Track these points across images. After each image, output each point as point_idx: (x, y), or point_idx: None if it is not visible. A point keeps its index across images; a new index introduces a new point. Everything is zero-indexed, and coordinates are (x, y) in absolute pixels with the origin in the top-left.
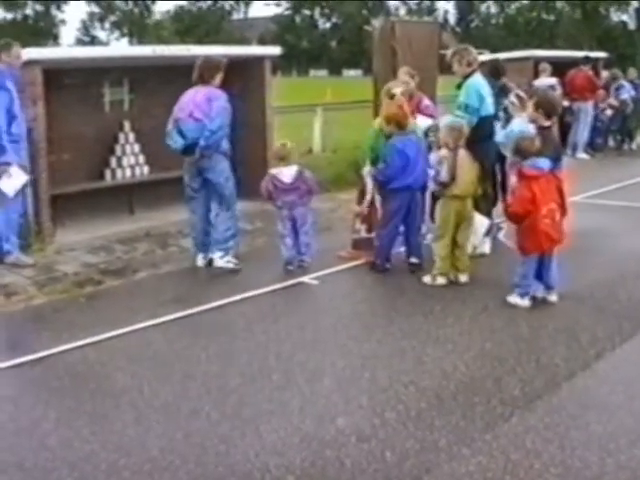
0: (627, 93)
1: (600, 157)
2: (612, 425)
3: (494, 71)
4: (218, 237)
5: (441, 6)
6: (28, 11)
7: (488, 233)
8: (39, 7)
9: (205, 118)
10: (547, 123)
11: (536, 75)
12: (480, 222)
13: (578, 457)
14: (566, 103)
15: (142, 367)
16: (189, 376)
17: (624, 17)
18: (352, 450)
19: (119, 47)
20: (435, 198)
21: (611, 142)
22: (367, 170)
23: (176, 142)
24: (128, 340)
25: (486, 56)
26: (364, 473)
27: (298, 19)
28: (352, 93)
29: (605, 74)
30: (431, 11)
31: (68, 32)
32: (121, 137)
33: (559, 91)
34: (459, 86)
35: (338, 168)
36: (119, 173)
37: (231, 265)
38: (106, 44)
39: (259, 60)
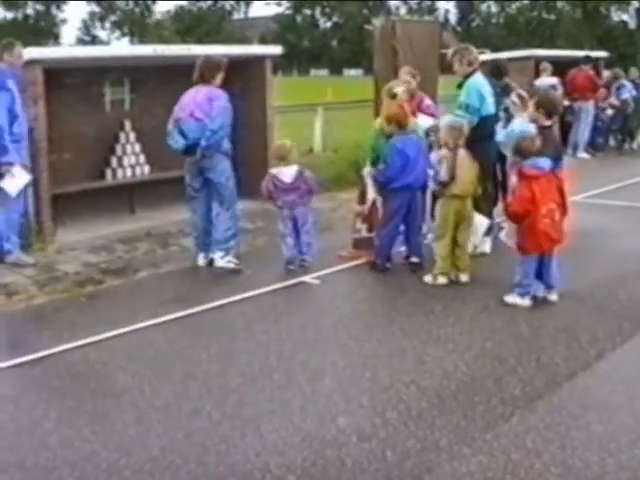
0: (628, 93)
1: (601, 157)
2: (613, 425)
3: (496, 70)
4: (219, 237)
5: (442, 5)
6: (29, 11)
7: (488, 233)
8: (40, 7)
9: (206, 118)
10: (548, 123)
11: (537, 74)
12: (480, 222)
13: (579, 457)
14: (567, 103)
15: (143, 367)
16: (190, 376)
17: (625, 17)
18: (353, 449)
19: (120, 47)
20: (436, 197)
21: (612, 142)
22: (367, 171)
23: (177, 142)
24: (129, 340)
25: (487, 55)
26: (365, 472)
27: (299, 18)
28: (353, 92)
29: (606, 73)
30: (432, 10)
31: (69, 32)
32: (122, 137)
33: (560, 90)
34: (460, 86)
35: (339, 168)
36: (120, 173)
37: (232, 265)
38: (107, 44)
39: (260, 60)
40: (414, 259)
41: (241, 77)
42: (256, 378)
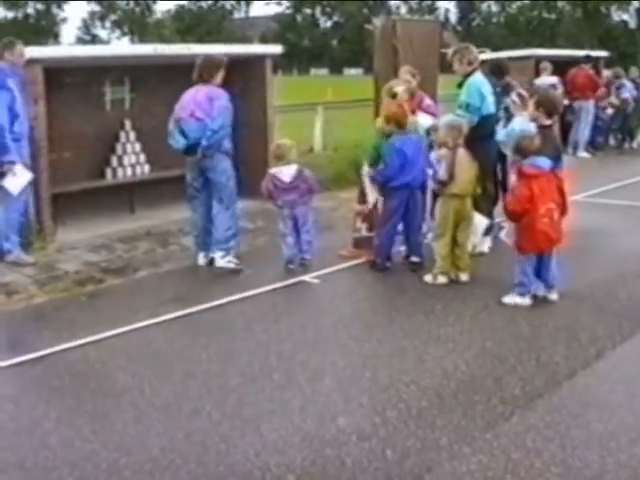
0: (628, 92)
1: (601, 156)
2: (613, 424)
3: (496, 70)
4: (219, 237)
5: (442, 5)
6: (29, 10)
7: (488, 232)
8: (40, 6)
9: (206, 118)
10: (548, 122)
11: (537, 74)
12: (479, 221)
13: (579, 456)
14: (567, 102)
15: (143, 366)
16: (190, 375)
17: (625, 16)
18: (353, 449)
19: (120, 46)
20: (436, 197)
21: (612, 141)
22: (365, 171)
23: (178, 142)
24: (129, 339)
25: (487, 55)
26: (365, 472)
27: (299, 18)
28: (353, 92)
29: (607, 73)
30: (432, 10)
31: (69, 31)
32: (122, 136)
33: (560, 90)
34: (460, 85)
35: (339, 167)
36: (120, 172)
37: (232, 265)
38: (107, 43)
39: (260, 59)
40: (414, 258)
41: (241, 76)
42: (256, 378)
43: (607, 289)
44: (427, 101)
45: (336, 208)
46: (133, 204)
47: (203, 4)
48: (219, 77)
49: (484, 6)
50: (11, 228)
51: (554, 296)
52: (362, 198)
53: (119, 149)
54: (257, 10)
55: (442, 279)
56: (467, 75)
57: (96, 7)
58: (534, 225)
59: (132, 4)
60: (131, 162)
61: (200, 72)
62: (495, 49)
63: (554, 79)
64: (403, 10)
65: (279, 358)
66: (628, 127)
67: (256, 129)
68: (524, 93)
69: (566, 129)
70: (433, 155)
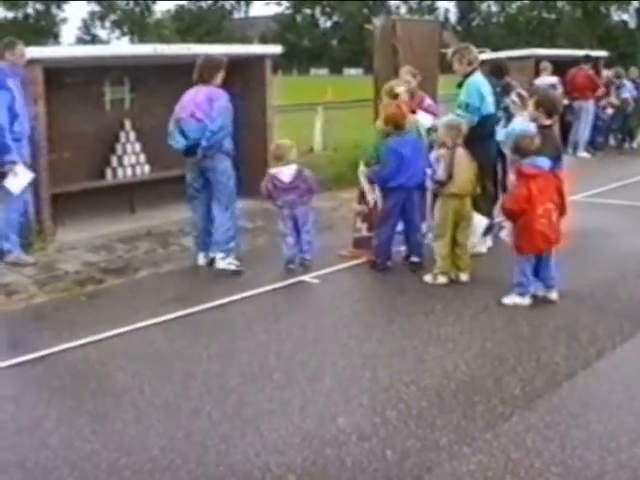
0: (628, 92)
1: (601, 156)
2: (613, 424)
3: (496, 70)
4: (218, 238)
5: (442, 5)
6: (29, 10)
7: (487, 233)
8: (40, 6)
9: (206, 118)
10: (548, 122)
11: (537, 74)
12: (479, 221)
13: (579, 456)
14: (566, 102)
15: (143, 366)
16: (190, 375)
17: (625, 16)
18: (353, 449)
19: (120, 46)
20: (436, 197)
21: (612, 141)
22: (360, 170)
23: (178, 142)
24: (129, 339)
25: (487, 55)
26: (365, 472)
27: (299, 18)
28: (353, 92)
29: (607, 73)
30: (432, 10)
31: (69, 31)
32: (122, 136)
33: (560, 90)
34: (460, 85)
35: (339, 167)
36: (120, 172)
37: (233, 267)
38: (107, 43)
39: (260, 59)
40: (414, 258)
41: (241, 76)
42: (256, 378)
43: (607, 289)
44: (428, 101)
45: (336, 208)
46: (133, 204)
47: (203, 4)
48: (219, 78)
49: (484, 6)
50: (11, 228)
51: (554, 296)
52: (362, 198)
53: (119, 149)
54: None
55: (442, 279)
56: (467, 75)
57: (96, 7)
58: (532, 225)
59: (132, 4)
60: (131, 162)
61: (200, 72)
62: (495, 49)
63: (554, 79)
64: (403, 10)
65: (279, 358)
66: (628, 127)
67: (256, 129)
68: (524, 93)
69: (566, 129)
70: (433, 155)
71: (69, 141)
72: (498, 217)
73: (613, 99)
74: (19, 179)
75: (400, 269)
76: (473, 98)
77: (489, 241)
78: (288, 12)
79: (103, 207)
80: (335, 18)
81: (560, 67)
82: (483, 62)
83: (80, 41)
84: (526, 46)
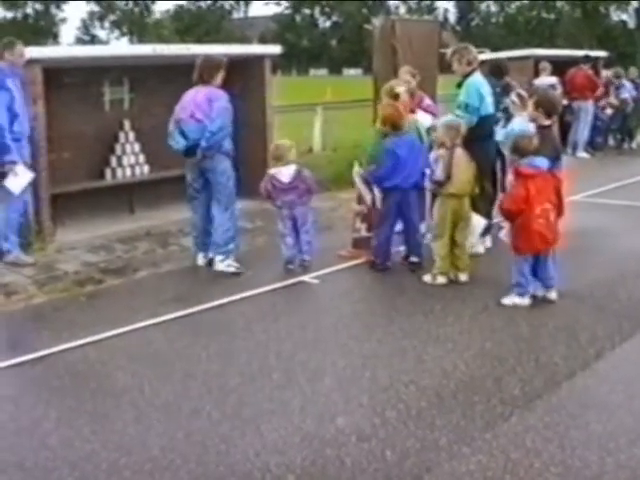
0: (627, 92)
1: (600, 156)
2: (612, 424)
3: (496, 70)
4: (218, 240)
5: (441, 5)
6: (28, 10)
7: (485, 233)
8: (39, 6)
9: (206, 119)
10: (547, 122)
11: (536, 74)
12: (477, 222)
13: (578, 456)
14: (566, 102)
15: (143, 366)
16: (190, 375)
17: (624, 16)
18: (352, 449)
19: (119, 46)
20: (435, 197)
21: (611, 141)
22: (355, 171)
23: (178, 143)
24: (129, 339)
25: (486, 55)
26: (364, 472)
27: (298, 18)
28: (352, 92)
29: (606, 73)
30: (431, 10)
31: (68, 31)
32: (121, 136)
33: (559, 90)
34: (459, 85)
35: (338, 167)
36: (119, 172)
37: (232, 269)
38: (106, 43)
39: (259, 59)
40: (413, 259)
41: (240, 77)
42: (256, 378)
43: (607, 289)
44: (427, 101)
45: (335, 208)
46: (132, 204)
47: (202, 4)
48: (219, 78)
49: (483, 6)
50: (10, 228)
51: (553, 295)
52: (361, 198)
53: (118, 149)
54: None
55: (441, 279)
56: (466, 75)
57: (95, 7)
58: (530, 226)
59: (131, 4)
60: (130, 162)
61: (200, 73)
62: (494, 49)
63: (553, 79)
64: (402, 10)
65: (279, 358)
66: (627, 127)
67: (255, 129)
68: (523, 93)
69: (565, 129)
70: (432, 155)
71: (68, 141)
72: (497, 217)
73: (612, 99)
74: (19, 179)
75: (399, 269)
76: (472, 98)
77: (488, 241)
78: (287, 12)
79: (102, 207)
80: (334, 18)
81: (559, 67)
82: (483, 62)
83: (79, 41)
84: (525, 46)
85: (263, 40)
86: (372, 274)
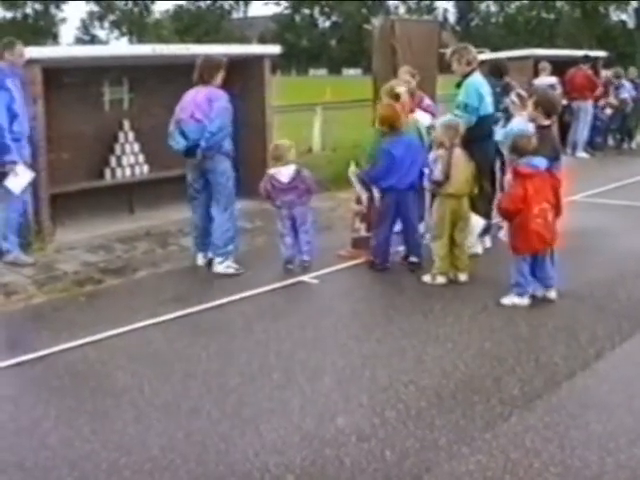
0: (627, 92)
1: (600, 156)
2: (612, 424)
3: (495, 70)
4: (216, 241)
5: (441, 5)
6: (28, 10)
7: (484, 233)
8: (38, 6)
9: (205, 119)
10: (546, 122)
11: (536, 74)
12: (476, 222)
13: (578, 456)
14: (565, 102)
15: (142, 366)
16: (189, 375)
17: (623, 16)
18: (352, 449)
19: (119, 46)
20: (434, 197)
21: (611, 141)
22: (351, 170)
23: (178, 143)
24: (128, 339)
25: (486, 55)
26: (364, 472)
27: (298, 18)
28: (352, 92)
29: (606, 73)
30: (431, 10)
31: (68, 31)
32: (121, 136)
33: (559, 90)
34: (459, 85)
35: (338, 167)
36: (119, 172)
37: (231, 270)
38: (106, 43)
39: (259, 59)
40: (413, 259)
41: (240, 77)
42: (255, 377)
43: (606, 289)
44: (427, 101)
45: (335, 208)
46: (132, 204)
47: (202, 4)
48: (219, 78)
49: (483, 6)
50: (10, 228)
51: (552, 295)
52: (361, 198)
53: (118, 149)
54: (256, 10)
55: (441, 279)
56: (466, 75)
57: (95, 7)
58: (528, 225)
59: (131, 4)
60: (130, 162)
61: (200, 73)
62: (494, 49)
63: (553, 79)
64: (402, 10)
65: (278, 358)
66: (627, 127)
67: (255, 129)
68: (523, 93)
69: (565, 129)
70: (431, 155)
71: (68, 141)
72: (496, 217)
73: (612, 99)
74: (20, 179)
75: (399, 269)
76: (472, 98)
77: (487, 241)
78: (287, 12)
79: (102, 207)
80: (334, 18)
81: (559, 67)
82: (482, 62)
83: (79, 41)
84: (525, 46)
85: (262, 40)
86: (371, 274)
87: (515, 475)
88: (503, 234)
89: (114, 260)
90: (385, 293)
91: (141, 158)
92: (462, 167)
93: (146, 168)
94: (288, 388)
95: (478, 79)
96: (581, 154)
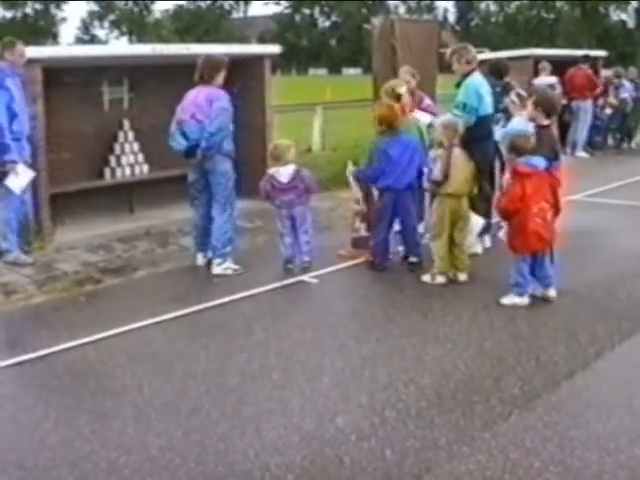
0: (627, 92)
1: (599, 156)
2: (611, 424)
3: (495, 70)
4: (215, 242)
5: (440, 4)
6: (28, 10)
7: (483, 233)
8: (39, 6)
9: (206, 119)
10: (546, 122)
11: (536, 74)
12: (475, 222)
13: (577, 456)
14: (565, 102)
15: (142, 366)
16: (189, 375)
17: (623, 16)
18: (352, 449)
19: (118, 46)
20: (434, 196)
21: (610, 141)
22: (348, 170)
23: (180, 144)
24: (128, 339)
25: (486, 55)
26: (364, 472)
27: (298, 18)
28: (352, 92)
29: (606, 72)
30: (431, 9)
31: (68, 31)
32: (120, 136)
33: (559, 90)
34: (458, 85)
35: (338, 167)
36: (119, 172)
37: (230, 272)
38: (105, 43)
39: (259, 59)
40: (412, 259)
41: (240, 76)
42: (255, 377)
43: (606, 289)
44: (427, 101)
45: (335, 208)
46: (132, 204)
47: (202, 4)
48: (220, 78)
49: (483, 5)
50: (10, 228)
51: (552, 293)
52: (361, 198)
53: (117, 149)
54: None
55: (440, 279)
56: (466, 75)
57: (95, 7)
58: (526, 225)
59: (131, 4)
60: (130, 162)
61: (201, 73)
62: (494, 49)
63: (553, 79)
64: (402, 10)
65: (278, 357)
66: (626, 127)
67: (255, 129)
68: (523, 93)
69: (564, 129)
70: (430, 154)
71: (68, 141)
72: (496, 217)
73: (612, 99)
74: (20, 178)
75: (398, 269)
76: (471, 98)
77: (487, 241)
78: (287, 12)
79: (102, 207)
80: (334, 18)
81: (559, 67)
82: (482, 62)
83: (79, 41)
84: (525, 46)
85: (262, 40)
86: (371, 274)
87: (515, 475)
88: (503, 234)
89: (114, 260)
90: (385, 293)
91: (141, 158)
92: (461, 167)
93: (146, 168)
94: (288, 388)
95: (478, 79)
96: (581, 154)
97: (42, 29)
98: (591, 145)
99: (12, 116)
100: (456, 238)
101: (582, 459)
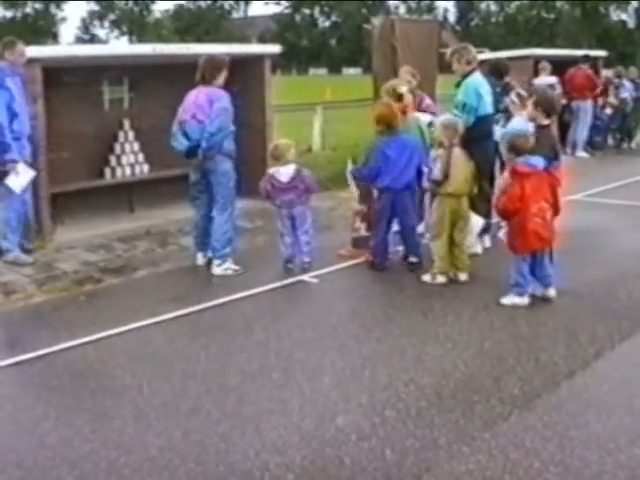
0: (627, 92)
1: (600, 156)
2: (611, 424)
3: (496, 70)
4: (215, 243)
5: (441, 4)
6: (28, 9)
7: (483, 233)
8: (39, 5)
9: (206, 119)
10: (546, 122)
11: (536, 74)
12: (475, 221)
13: (577, 456)
14: (564, 102)
15: (142, 365)
16: (189, 374)
17: (624, 16)
18: (352, 448)
19: (119, 45)
20: (434, 196)
21: (610, 141)
22: (349, 168)
23: (181, 144)
24: (128, 338)
25: (486, 55)
26: (364, 471)
27: (298, 18)
28: (352, 91)
29: (606, 72)
30: (431, 9)
31: (68, 30)
32: (121, 135)
33: (559, 90)
34: (458, 85)
35: (338, 166)
36: (119, 171)
37: (230, 272)
38: (106, 42)
39: (259, 59)
40: (412, 259)
41: (240, 76)
42: (255, 377)
43: (606, 289)
44: (427, 101)
45: (335, 208)
46: (132, 204)
47: (202, 4)
48: (221, 78)
49: (483, 5)
50: (10, 227)
51: (551, 293)
52: (362, 198)
53: (118, 149)
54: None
55: (440, 279)
56: (466, 75)
57: (95, 7)
58: (526, 225)
59: (131, 4)
60: (130, 162)
61: (202, 73)
62: (494, 49)
63: (553, 79)
64: (402, 10)
65: (278, 357)
66: (627, 127)
67: (255, 129)
68: (523, 93)
69: (564, 129)
70: (431, 154)
71: (68, 140)
72: (496, 217)
73: (612, 99)
74: (21, 178)
75: (398, 269)
76: (471, 98)
77: (487, 241)
78: (287, 12)
79: (102, 206)
80: (334, 18)
81: (559, 67)
82: (482, 62)
83: (79, 40)
84: (525, 46)
85: (263, 40)
86: (371, 273)
87: (515, 475)
88: (503, 233)
89: (114, 259)
90: (385, 292)
91: (141, 157)
92: (461, 167)
93: (146, 167)
94: (288, 387)
95: (478, 79)
96: (581, 154)
97: (42, 29)
98: (591, 145)
99: (12, 115)
100: (456, 238)
101: (582, 459)
